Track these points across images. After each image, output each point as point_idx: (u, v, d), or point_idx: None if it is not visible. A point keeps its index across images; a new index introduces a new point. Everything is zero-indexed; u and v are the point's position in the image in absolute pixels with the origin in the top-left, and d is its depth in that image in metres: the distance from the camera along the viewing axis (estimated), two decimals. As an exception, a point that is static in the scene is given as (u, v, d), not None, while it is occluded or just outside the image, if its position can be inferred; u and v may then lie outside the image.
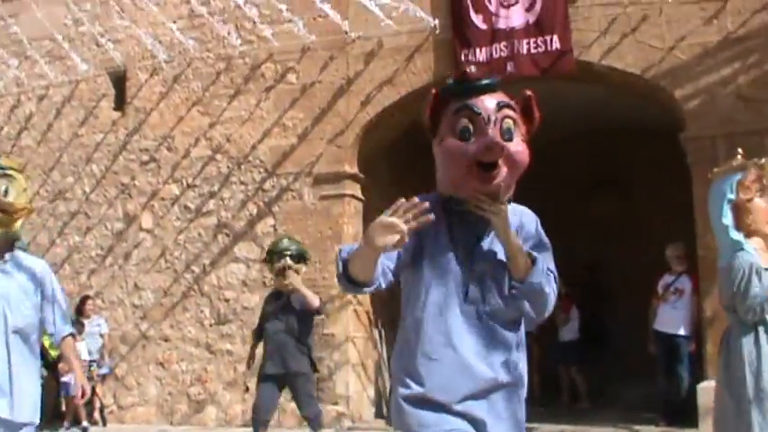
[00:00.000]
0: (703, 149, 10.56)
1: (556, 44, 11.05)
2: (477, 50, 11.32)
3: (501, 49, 11.26)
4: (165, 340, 12.71)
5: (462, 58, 11.33)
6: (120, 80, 13.58)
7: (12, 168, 4.80)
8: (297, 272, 8.48)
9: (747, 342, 4.86)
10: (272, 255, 8.56)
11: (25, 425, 4.68)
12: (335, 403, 11.57)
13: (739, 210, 5.00)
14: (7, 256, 4.76)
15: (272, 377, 8.32)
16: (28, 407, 4.69)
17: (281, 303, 8.52)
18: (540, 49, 11.14)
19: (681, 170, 10.89)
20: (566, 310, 13.48)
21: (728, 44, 10.62)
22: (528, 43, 11.17)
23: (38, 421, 4.79)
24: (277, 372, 8.29)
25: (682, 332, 11.01)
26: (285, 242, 8.68)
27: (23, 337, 4.70)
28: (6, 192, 4.66)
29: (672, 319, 11.06)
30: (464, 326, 3.06)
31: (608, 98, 12.52)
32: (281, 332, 8.39)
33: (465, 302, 3.08)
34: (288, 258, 8.44)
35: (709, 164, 9.84)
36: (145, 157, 13.16)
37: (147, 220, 13.05)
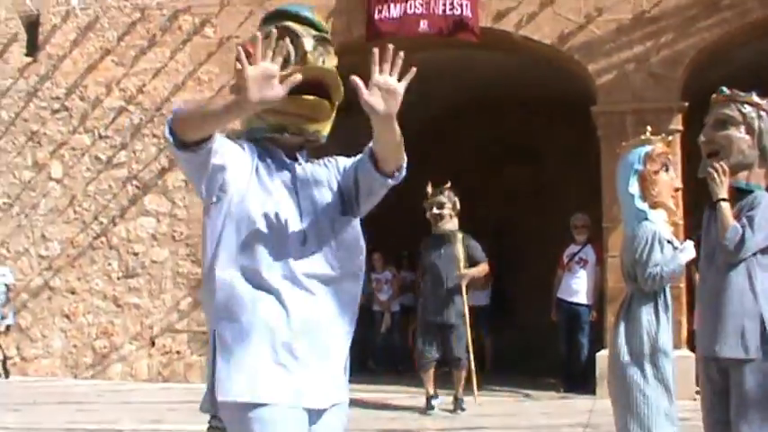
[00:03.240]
0: (613, 124, 10.76)
1: (467, 10, 11.04)
2: (392, 6, 11.24)
3: (416, 6, 11.23)
4: (72, 292, 12.55)
5: (375, 14, 11.27)
6: (32, 24, 13.21)
7: (327, 32, 3.16)
8: None
9: (647, 311, 5.01)
10: None
11: None
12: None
13: (645, 181, 5.14)
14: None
15: None
16: None
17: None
18: (455, 11, 11.12)
19: (592, 143, 11.08)
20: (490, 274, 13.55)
21: (643, 22, 10.81)
22: (444, 4, 11.15)
23: None
24: None
25: (584, 301, 11.25)
26: None
27: None
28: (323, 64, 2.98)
29: (574, 288, 11.30)
30: None
31: (524, 68, 12.63)
32: None
33: None
34: None
35: (618, 138, 10.04)
36: (56, 105, 12.87)
37: (56, 170, 12.80)
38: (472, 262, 9.74)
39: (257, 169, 2.88)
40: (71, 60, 12.86)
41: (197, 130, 2.60)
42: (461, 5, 11.05)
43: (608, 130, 10.75)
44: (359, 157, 2.92)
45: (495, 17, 11.18)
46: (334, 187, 2.96)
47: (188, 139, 2.60)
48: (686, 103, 10.54)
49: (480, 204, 15.16)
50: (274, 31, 2.71)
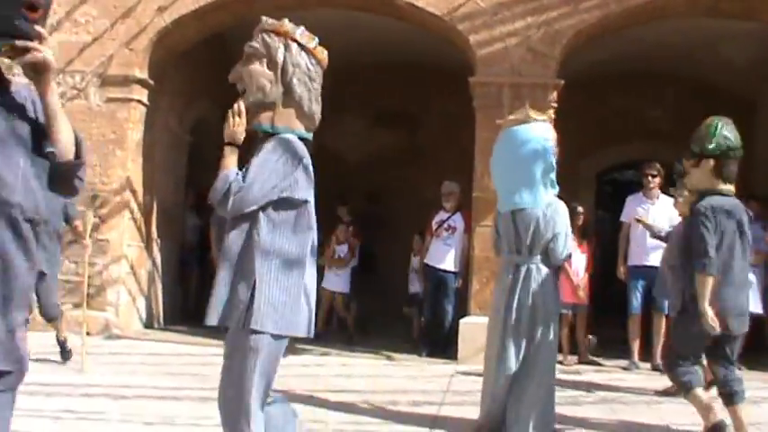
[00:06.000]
0: (490, 95, 10.93)
1: None
2: None
3: None
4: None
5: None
6: None
7: None
8: None
9: (550, 279, 5.75)
10: None
11: None
12: (104, 311, 11.36)
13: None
14: None
15: None
16: None
17: None
18: None
19: (468, 113, 11.23)
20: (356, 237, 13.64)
21: (526, -1, 11.02)
22: None
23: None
24: None
25: (451, 268, 11.42)
26: None
27: None
28: None
29: (442, 255, 11.45)
30: None
31: (406, 34, 12.70)
32: None
33: None
34: None
35: (494, 109, 10.30)
36: None
37: None
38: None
39: None
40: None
41: None
42: None
43: (484, 101, 10.92)
44: None
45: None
46: None
47: None
48: (562, 81, 10.78)
49: (353, 167, 15.29)
50: None
